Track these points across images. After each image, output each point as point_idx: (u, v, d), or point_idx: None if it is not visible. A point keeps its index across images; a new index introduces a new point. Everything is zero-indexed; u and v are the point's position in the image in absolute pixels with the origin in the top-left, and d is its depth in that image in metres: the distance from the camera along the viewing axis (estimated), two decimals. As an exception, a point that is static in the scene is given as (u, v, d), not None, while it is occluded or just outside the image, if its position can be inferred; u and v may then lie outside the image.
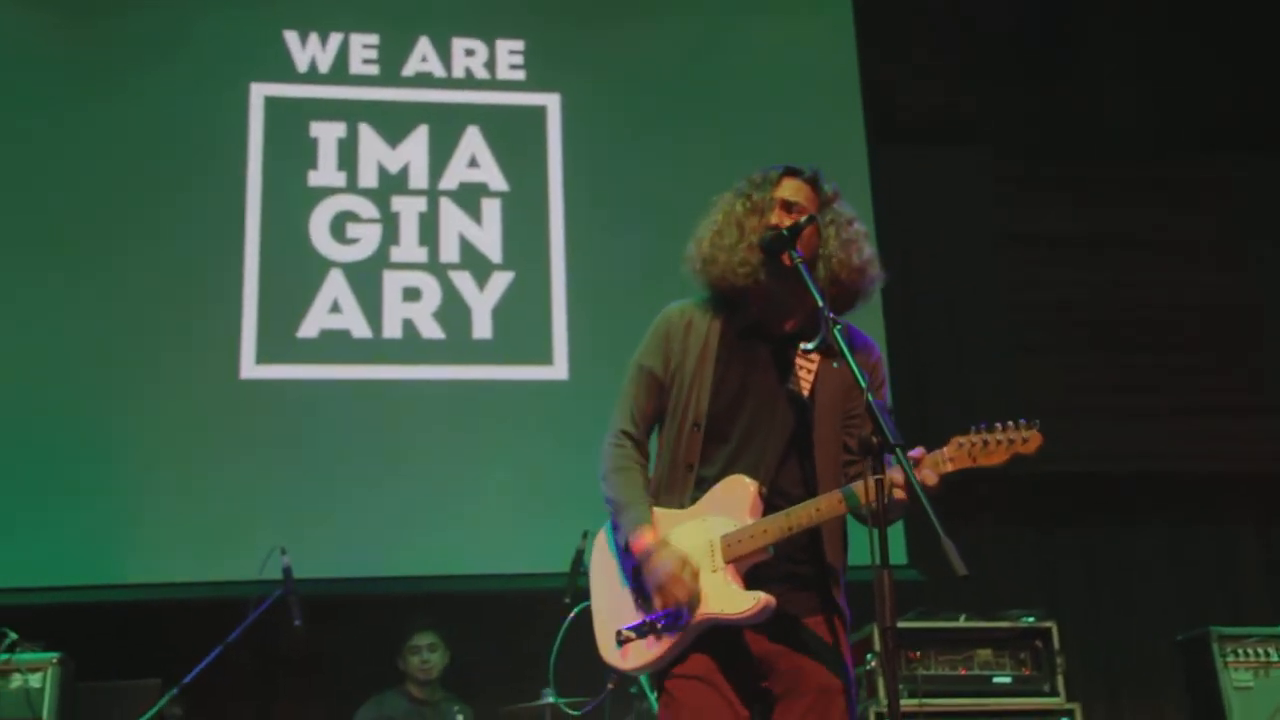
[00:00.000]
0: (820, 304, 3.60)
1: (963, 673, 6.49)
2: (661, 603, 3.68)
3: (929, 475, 3.44)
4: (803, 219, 3.76)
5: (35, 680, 5.91)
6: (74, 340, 7.52)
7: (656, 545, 3.71)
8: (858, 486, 3.50)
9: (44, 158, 7.79)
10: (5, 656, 5.90)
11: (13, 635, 5.98)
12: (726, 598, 3.63)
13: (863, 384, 3.43)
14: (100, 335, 7.56)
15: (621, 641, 3.75)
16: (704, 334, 3.93)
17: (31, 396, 7.39)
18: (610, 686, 5.73)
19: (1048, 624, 6.58)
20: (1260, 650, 6.50)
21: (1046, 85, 9.12)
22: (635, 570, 3.81)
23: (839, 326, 3.58)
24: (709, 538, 3.70)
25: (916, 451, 3.50)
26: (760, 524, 3.64)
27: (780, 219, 3.80)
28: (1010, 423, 3.51)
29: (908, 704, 6.24)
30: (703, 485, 3.81)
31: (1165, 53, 9.19)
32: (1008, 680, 6.49)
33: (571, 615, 4.57)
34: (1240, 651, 6.50)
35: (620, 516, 3.86)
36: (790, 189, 3.89)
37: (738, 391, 3.87)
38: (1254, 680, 6.43)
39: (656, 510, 3.84)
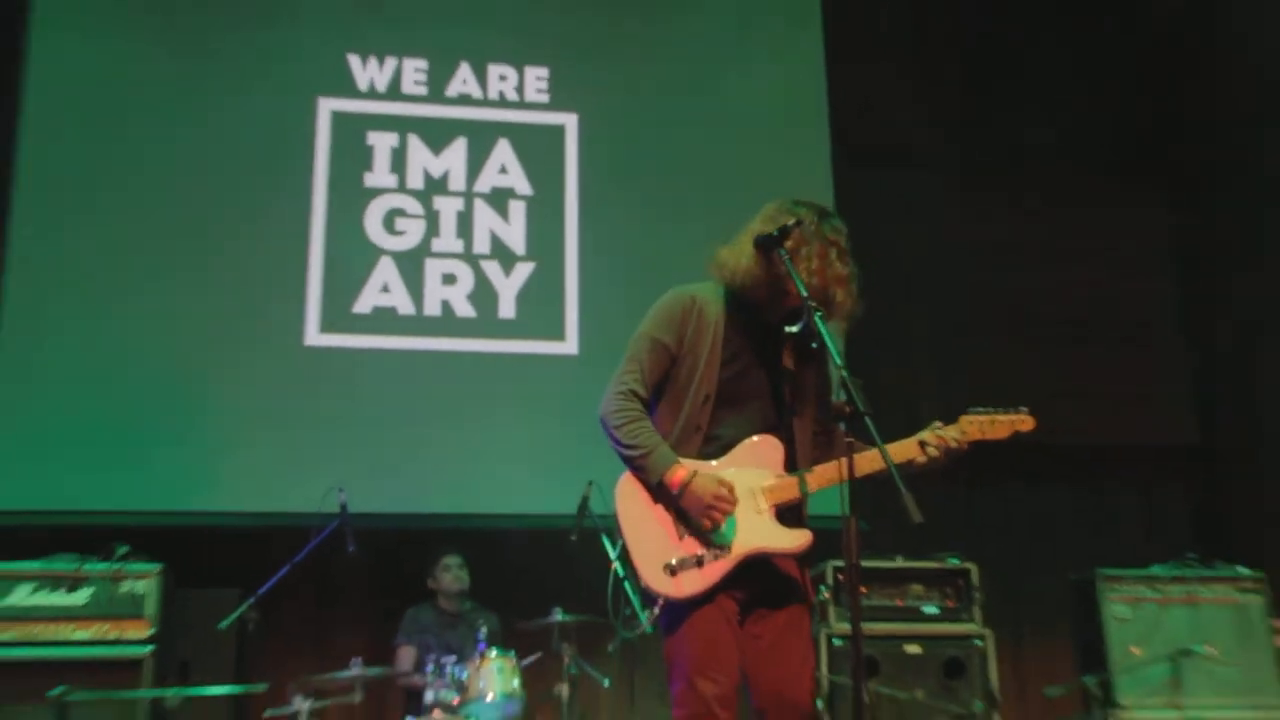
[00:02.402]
0: (804, 294, 3.77)
1: (899, 604, 6.81)
2: (710, 522, 3.84)
3: (960, 441, 3.93)
4: (790, 222, 3.90)
5: (141, 586, 6.18)
6: (172, 314, 7.74)
7: (692, 475, 3.85)
8: (823, 474, 3.92)
9: (152, 155, 7.96)
10: (118, 565, 6.16)
11: (124, 548, 6.25)
12: (773, 534, 3.90)
13: (838, 361, 3.62)
14: (192, 310, 7.77)
15: (672, 571, 3.85)
16: (712, 319, 4.05)
17: (139, 358, 7.62)
18: (656, 612, 5.94)
19: (968, 565, 6.89)
20: (1136, 588, 6.71)
21: (983, 114, 9.20)
22: (673, 505, 3.91)
23: (819, 313, 3.75)
24: (749, 485, 3.91)
25: (937, 424, 3.99)
26: (806, 473, 3.95)
27: (839, 265, 4.01)
28: (1007, 408, 4.01)
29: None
30: (713, 442, 3.99)
31: (1080, 87, 9.34)
32: (935, 610, 6.82)
33: (614, 569, 4.59)
34: (1120, 589, 6.73)
35: (647, 459, 3.91)
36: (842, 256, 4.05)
37: (743, 368, 4.04)
38: (1131, 613, 6.67)
39: (687, 460, 3.92)
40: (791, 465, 4.01)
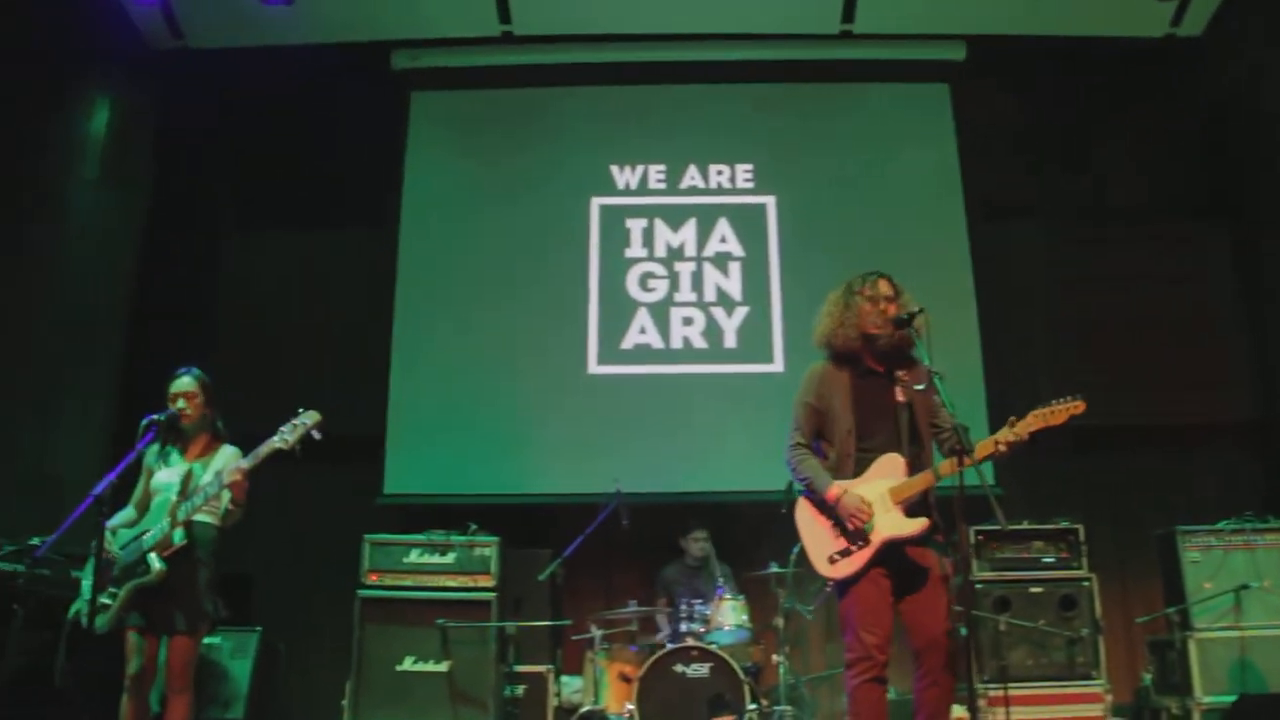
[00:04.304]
0: (927, 361, 4.09)
1: (1024, 555, 6.73)
2: (853, 525, 4.12)
3: (1022, 434, 3.97)
4: (916, 310, 4.18)
5: (487, 551, 6.57)
6: (501, 356, 8.20)
7: (844, 493, 4.16)
8: (946, 467, 4.08)
9: (482, 243, 8.47)
10: (471, 537, 6.61)
11: (474, 525, 6.66)
12: (900, 525, 4.12)
13: (951, 410, 4.03)
14: (509, 346, 8.21)
15: (832, 561, 4.19)
16: (838, 377, 4.34)
17: (481, 389, 8.10)
18: (827, 589, 5.76)
19: (1078, 525, 6.77)
20: (1206, 539, 6.58)
21: (1074, 174, 8.96)
22: (833, 515, 4.21)
23: (937, 375, 4.07)
24: (879, 491, 4.15)
25: (1011, 420, 4.02)
26: (916, 479, 4.12)
27: (892, 307, 4.26)
28: (1065, 398, 3.99)
29: (992, 574, 6.64)
30: (861, 463, 4.22)
31: (1150, 151, 9.00)
32: (1052, 560, 6.71)
33: (799, 547, 4.61)
34: (1194, 540, 6.60)
35: (815, 484, 4.25)
36: (885, 287, 4.33)
37: (869, 407, 4.27)
38: (1201, 557, 6.54)
39: (840, 481, 4.22)
40: (912, 471, 4.18)
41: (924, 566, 4.15)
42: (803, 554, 4.41)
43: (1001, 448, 4.01)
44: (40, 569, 5.70)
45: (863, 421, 4.27)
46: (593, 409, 8.10)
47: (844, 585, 4.20)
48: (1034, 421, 4.01)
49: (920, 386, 4.25)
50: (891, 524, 4.14)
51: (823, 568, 4.25)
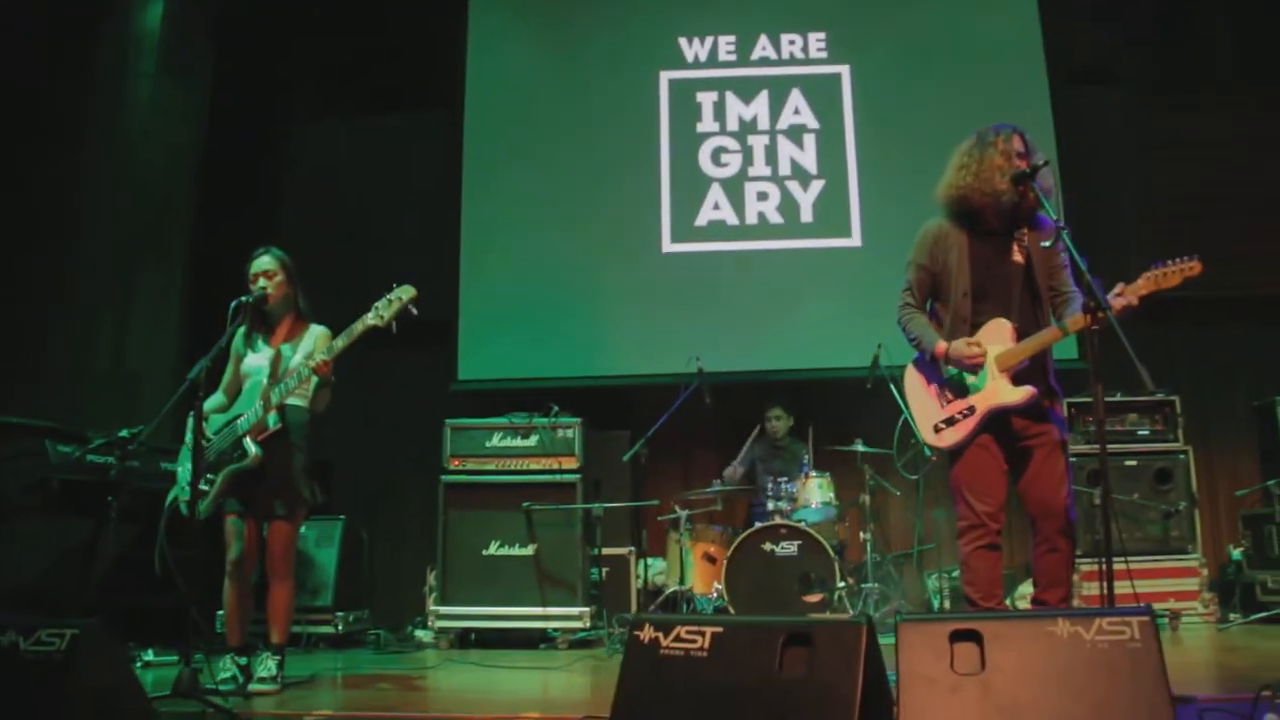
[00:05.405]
0: (1055, 218, 3.85)
1: (1119, 428, 6.71)
2: (971, 366, 3.99)
3: (1132, 299, 3.72)
4: (1041, 163, 3.93)
5: (570, 433, 6.54)
6: (573, 238, 8.19)
7: (949, 345, 4.06)
8: (1076, 321, 3.82)
9: (552, 125, 8.40)
10: (553, 419, 6.55)
11: (555, 407, 6.61)
12: (1006, 392, 3.98)
13: (1084, 268, 3.60)
14: (585, 234, 8.20)
15: (938, 430, 4.11)
16: (955, 237, 4.11)
17: (556, 270, 8.11)
18: (934, 459, 5.83)
19: (1172, 397, 6.73)
20: None
21: (1162, 37, 8.58)
22: (940, 380, 4.09)
23: (1065, 230, 3.79)
24: (987, 358, 4.00)
25: (1119, 287, 3.75)
26: (1024, 344, 3.95)
27: (1024, 163, 3.96)
28: (1179, 258, 3.74)
29: (1085, 447, 6.47)
30: (976, 327, 4.05)
31: (1242, 12, 8.52)
32: (1147, 432, 6.71)
33: (902, 419, 4.69)
34: None
35: (923, 342, 4.13)
36: (1018, 142, 4.01)
37: (986, 268, 4.06)
38: None
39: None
40: (1023, 335, 4.00)
41: (1036, 434, 4.02)
42: (907, 424, 4.36)
43: (1113, 313, 3.70)
44: (131, 461, 5.73)
45: (979, 283, 4.09)
46: (668, 288, 8.07)
47: (953, 454, 4.11)
48: (1146, 284, 3.77)
49: (1047, 244, 4.04)
50: (998, 391, 4.01)
51: (929, 436, 4.17)
